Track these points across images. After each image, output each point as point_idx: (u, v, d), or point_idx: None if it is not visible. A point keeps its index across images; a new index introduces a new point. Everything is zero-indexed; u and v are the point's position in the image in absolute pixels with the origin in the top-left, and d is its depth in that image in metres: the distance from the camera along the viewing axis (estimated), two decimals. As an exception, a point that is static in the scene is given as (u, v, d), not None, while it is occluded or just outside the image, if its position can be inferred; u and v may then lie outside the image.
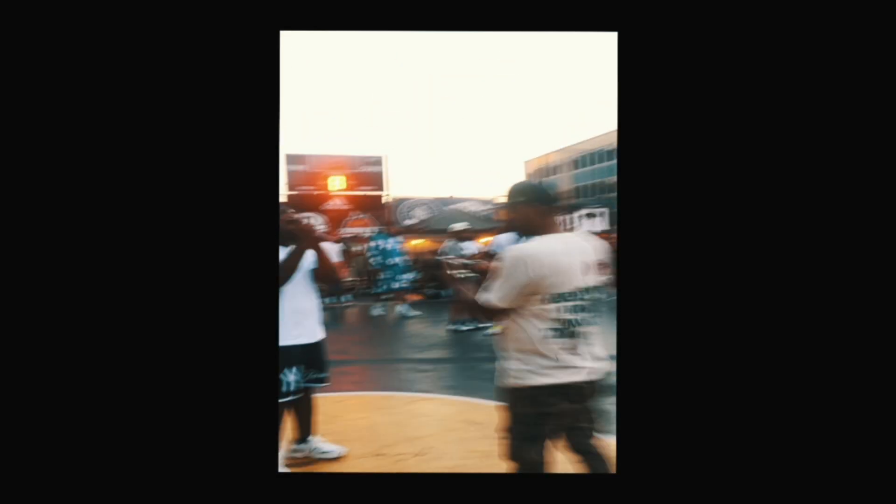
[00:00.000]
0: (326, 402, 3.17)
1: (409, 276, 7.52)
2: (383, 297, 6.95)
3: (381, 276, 6.70)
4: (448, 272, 1.81)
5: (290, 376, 2.23)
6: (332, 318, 6.84)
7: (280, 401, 2.18)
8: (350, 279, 8.82)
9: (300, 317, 2.27)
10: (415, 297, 8.87)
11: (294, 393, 2.24)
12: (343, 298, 8.25)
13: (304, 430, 2.51)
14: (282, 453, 2.42)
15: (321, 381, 2.40)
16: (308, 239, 2.18)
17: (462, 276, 1.75)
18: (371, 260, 6.93)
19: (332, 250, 2.36)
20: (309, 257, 2.25)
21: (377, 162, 11.70)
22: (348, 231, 10.36)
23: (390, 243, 6.80)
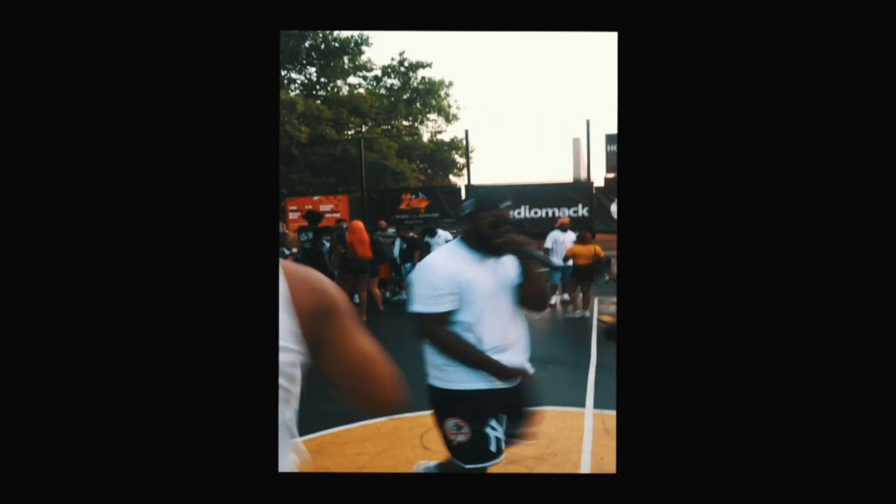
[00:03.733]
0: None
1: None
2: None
3: None
4: None
5: (496, 431, 1.65)
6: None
7: (481, 465, 1.64)
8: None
9: (498, 353, 1.69)
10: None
11: (499, 454, 1.66)
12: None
13: None
14: None
15: (519, 436, 1.81)
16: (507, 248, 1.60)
17: None
18: None
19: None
20: (510, 271, 1.70)
21: None
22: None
23: None
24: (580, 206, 10.29)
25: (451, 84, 21.99)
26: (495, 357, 1.67)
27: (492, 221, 1.67)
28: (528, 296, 1.73)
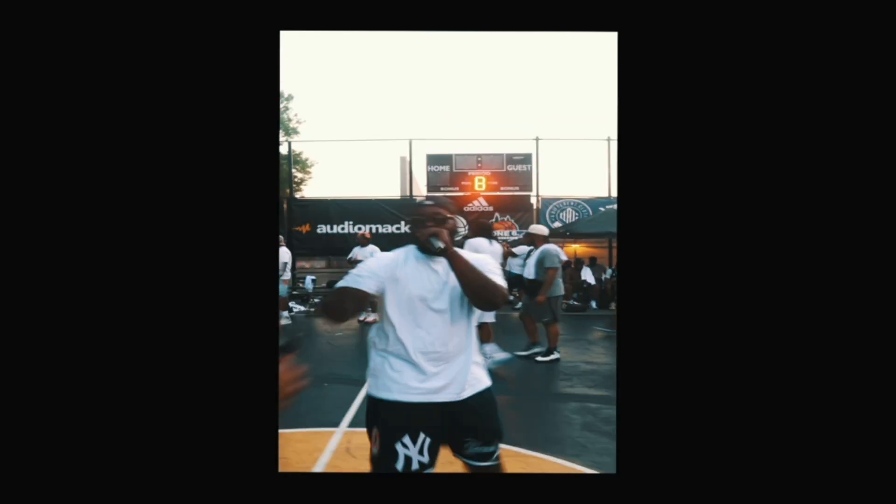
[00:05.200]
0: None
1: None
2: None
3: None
4: None
5: (406, 449, 1.50)
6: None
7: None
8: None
9: (430, 362, 1.54)
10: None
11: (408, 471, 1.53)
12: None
13: None
14: None
15: (480, 456, 1.60)
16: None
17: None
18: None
19: (488, 255, 1.64)
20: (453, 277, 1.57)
21: (525, 160, 10.86)
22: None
23: None
24: (402, 223, 10.48)
25: (290, 97, 21.03)
26: (427, 364, 1.55)
27: (412, 221, 1.64)
28: (467, 293, 1.53)
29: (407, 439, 1.54)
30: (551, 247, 4.99)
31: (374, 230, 10.49)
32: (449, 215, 1.63)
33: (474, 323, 1.64)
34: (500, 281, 1.58)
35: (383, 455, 1.55)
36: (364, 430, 1.91)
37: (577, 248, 11.11)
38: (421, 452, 1.56)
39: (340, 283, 1.64)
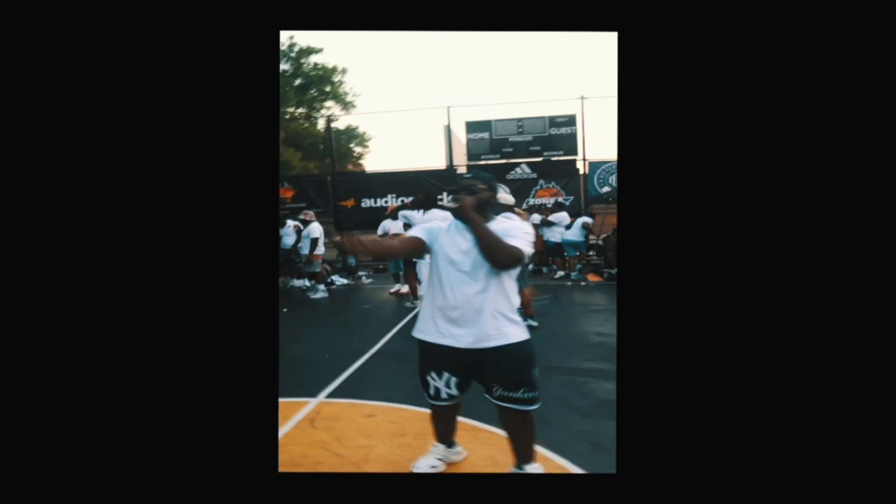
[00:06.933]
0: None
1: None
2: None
3: None
4: None
5: (434, 381, 1.87)
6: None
7: (430, 403, 1.91)
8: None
9: (451, 312, 1.83)
10: (595, 278, 8.05)
11: (437, 399, 1.89)
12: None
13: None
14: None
15: (506, 399, 1.80)
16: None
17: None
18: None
19: (509, 226, 1.84)
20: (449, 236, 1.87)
21: (569, 122, 10.19)
22: (536, 201, 9.36)
23: None
24: (444, 193, 10.10)
25: (345, 71, 21.01)
26: (450, 313, 1.85)
27: (450, 191, 1.89)
28: (481, 251, 1.77)
29: (433, 374, 1.90)
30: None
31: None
32: (482, 186, 1.86)
33: (501, 284, 1.84)
34: (518, 244, 1.75)
35: (422, 382, 1.93)
36: (337, 401, 2.78)
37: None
38: (448, 386, 1.90)
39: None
